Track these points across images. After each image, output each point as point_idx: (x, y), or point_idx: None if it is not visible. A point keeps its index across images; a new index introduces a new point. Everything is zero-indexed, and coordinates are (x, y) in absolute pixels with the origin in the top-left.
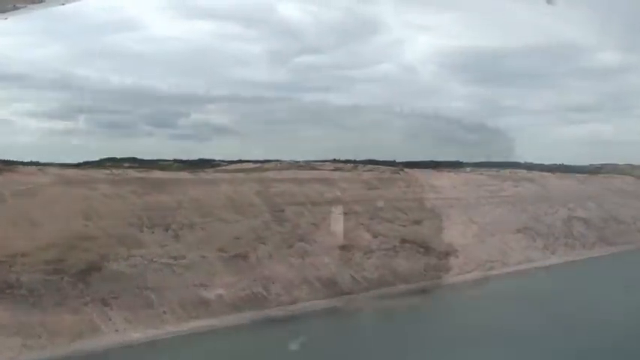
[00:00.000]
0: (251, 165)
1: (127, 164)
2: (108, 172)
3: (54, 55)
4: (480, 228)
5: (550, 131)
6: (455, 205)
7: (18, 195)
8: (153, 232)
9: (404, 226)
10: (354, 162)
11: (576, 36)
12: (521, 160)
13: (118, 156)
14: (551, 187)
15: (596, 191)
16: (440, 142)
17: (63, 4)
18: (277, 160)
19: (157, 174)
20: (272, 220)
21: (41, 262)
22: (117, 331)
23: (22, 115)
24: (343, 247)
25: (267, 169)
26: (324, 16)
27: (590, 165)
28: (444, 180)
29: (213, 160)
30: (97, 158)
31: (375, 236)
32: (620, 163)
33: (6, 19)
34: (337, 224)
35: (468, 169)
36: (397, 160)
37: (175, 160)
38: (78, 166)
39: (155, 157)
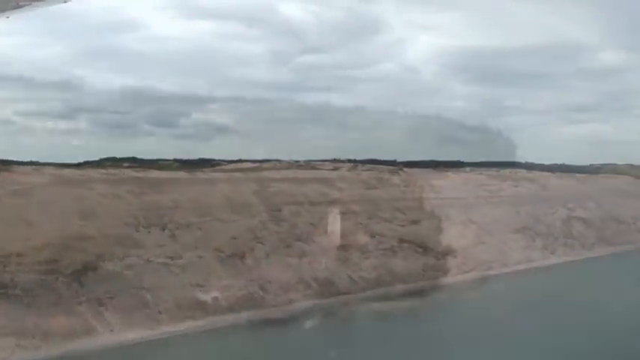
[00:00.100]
0: (250, 164)
1: (126, 164)
2: (105, 171)
3: (55, 55)
4: (479, 228)
5: (551, 131)
6: (454, 204)
7: (13, 195)
8: (149, 232)
9: (402, 225)
10: (355, 162)
11: (577, 36)
12: (522, 160)
13: (120, 156)
14: (550, 187)
15: (596, 191)
16: (441, 142)
17: (65, 2)
18: (276, 160)
19: (155, 173)
20: (269, 219)
21: (36, 262)
22: (112, 331)
23: (24, 115)
24: (341, 247)
25: (265, 169)
26: (326, 16)
27: (591, 165)
28: (443, 180)
29: (214, 160)
30: (97, 158)
31: (373, 236)
32: (620, 163)
33: (8, 17)
34: (335, 224)
35: (468, 168)
36: (398, 160)
37: (175, 160)
38: (78, 166)
39: (156, 157)
